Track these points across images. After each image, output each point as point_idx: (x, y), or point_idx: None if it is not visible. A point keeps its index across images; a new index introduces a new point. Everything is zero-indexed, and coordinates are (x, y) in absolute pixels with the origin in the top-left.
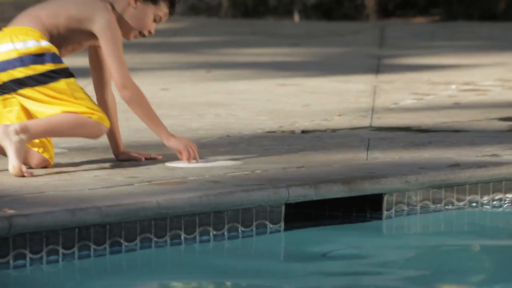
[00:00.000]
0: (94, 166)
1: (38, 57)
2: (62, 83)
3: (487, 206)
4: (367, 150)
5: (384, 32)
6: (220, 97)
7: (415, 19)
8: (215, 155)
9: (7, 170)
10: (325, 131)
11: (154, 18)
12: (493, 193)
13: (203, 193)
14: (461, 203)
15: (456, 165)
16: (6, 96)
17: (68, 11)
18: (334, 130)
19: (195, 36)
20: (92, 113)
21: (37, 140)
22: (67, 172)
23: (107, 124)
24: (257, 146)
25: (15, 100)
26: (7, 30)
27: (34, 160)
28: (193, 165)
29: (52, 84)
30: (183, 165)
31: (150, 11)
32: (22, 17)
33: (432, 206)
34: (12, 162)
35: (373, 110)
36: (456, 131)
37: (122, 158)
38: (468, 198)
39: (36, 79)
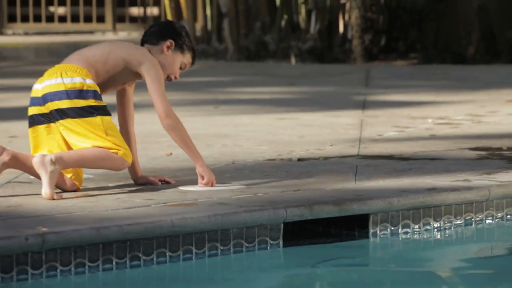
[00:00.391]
0: (116, 190)
1: (82, 93)
2: (97, 119)
3: (460, 225)
4: (355, 175)
5: (369, 73)
6: (227, 130)
7: (396, 62)
8: (222, 180)
9: (41, 193)
10: (318, 159)
11: (180, 65)
12: (465, 213)
13: (211, 213)
14: (437, 223)
15: (433, 189)
16: (51, 124)
17: (119, 54)
18: (326, 158)
19: (204, 77)
20: (118, 149)
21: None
22: (92, 195)
23: (129, 160)
24: (259, 172)
25: (57, 128)
26: (58, 66)
27: (66, 184)
28: (202, 188)
29: (89, 119)
30: (194, 188)
31: (178, 58)
32: (74, 56)
33: (412, 225)
34: (45, 189)
35: (360, 140)
36: (433, 159)
37: (140, 182)
38: (443, 218)
39: (76, 111)
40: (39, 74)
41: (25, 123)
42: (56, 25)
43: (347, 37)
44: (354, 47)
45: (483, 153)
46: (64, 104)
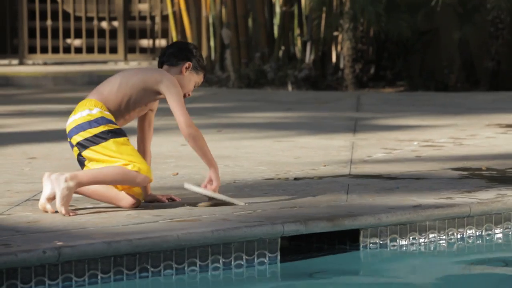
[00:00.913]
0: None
1: (90, 123)
2: (110, 142)
3: (443, 240)
4: (347, 193)
5: (360, 99)
6: (229, 151)
7: (384, 90)
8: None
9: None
10: (313, 178)
11: (194, 84)
12: (448, 228)
13: (214, 228)
14: (422, 237)
15: (418, 206)
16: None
17: (135, 78)
18: (320, 178)
19: (208, 103)
20: (134, 165)
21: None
22: (105, 211)
23: (150, 175)
24: (258, 190)
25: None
26: (82, 102)
27: (123, 202)
28: (202, 190)
29: (103, 144)
30: (198, 189)
31: (194, 78)
32: (91, 92)
33: (400, 239)
34: (58, 206)
35: (351, 161)
36: (418, 178)
37: (148, 200)
38: (428, 233)
39: (90, 140)
40: (57, 101)
41: (43, 145)
42: (72, 56)
43: (339, 67)
44: (346, 75)
45: (464, 173)
46: (80, 137)
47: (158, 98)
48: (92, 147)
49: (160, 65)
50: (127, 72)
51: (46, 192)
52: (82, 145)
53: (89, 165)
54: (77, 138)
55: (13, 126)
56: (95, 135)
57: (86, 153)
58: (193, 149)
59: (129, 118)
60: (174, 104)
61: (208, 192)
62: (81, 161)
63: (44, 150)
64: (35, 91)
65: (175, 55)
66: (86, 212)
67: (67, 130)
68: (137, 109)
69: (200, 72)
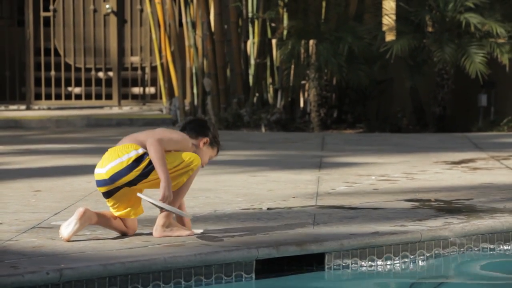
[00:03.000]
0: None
1: (138, 161)
2: (152, 175)
3: (398, 262)
4: (314, 222)
5: (324, 139)
6: (210, 185)
7: (345, 131)
8: (205, 225)
9: (59, 237)
10: (283, 208)
11: (209, 157)
12: (402, 252)
13: (197, 252)
14: (380, 260)
15: (376, 233)
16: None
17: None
18: (290, 208)
19: None
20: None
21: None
22: (101, 238)
23: (197, 161)
24: (236, 219)
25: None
26: (112, 149)
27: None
28: (154, 201)
29: (152, 175)
30: (152, 200)
31: (209, 152)
32: (124, 140)
33: (360, 262)
34: (67, 232)
35: (317, 194)
36: (376, 208)
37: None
38: (384, 256)
39: (141, 176)
40: (59, 141)
41: (47, 180)
42: (73, 102)
43: (307, 111)
44: (312, 118)
45: (416, 203)
46: (130, 177)
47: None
48: (143, 182)
49: None
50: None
51: (74, 229)
52: (132, 183)
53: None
54: (127, 179)
55: (21, 163)
56: (144, 170)
57: (137, 186)
58: (151, 158)
59: None
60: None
61: (159, 203)
62: (111, 193)
63: (48, 184)
64: (40, 132)
65: (195, 130)
66: (85, 238)
67: (110, 174)
68: None
69: (215, 147)
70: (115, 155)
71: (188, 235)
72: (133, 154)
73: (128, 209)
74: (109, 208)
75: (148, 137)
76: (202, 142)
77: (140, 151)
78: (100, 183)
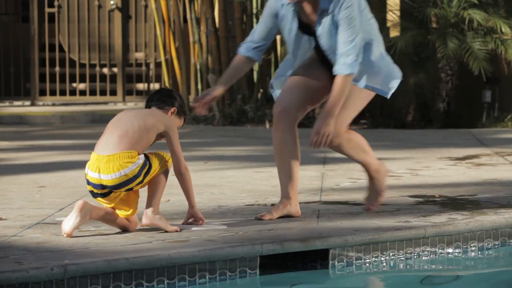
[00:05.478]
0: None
1: (140, 170)
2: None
3: (401, 258)
4: (318, 217)
5: None
6: (214, 181)
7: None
8: (210, 221)
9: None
10: None
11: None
12: (406, 248)
13: (201, 248)
14: (384, 256)
15: (380, 228)
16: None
17: (147, 122)
18: None
19: (196, 138)
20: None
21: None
22: (105, 234)
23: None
24: (240, 215)
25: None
26: (112, 157)
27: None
28: (197, 227)
29: (146, 178)
30: (195, 228)
31: (177, 121)
32: (117, 142)
33: (364, 258)
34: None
35: (321, 189)
36: (380, 204)
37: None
38: (388, 252)
39: (141, 182)
40: (63, 137)
41: (52, 175)
42: (77, 98)
43: None
44: (316, 114)
45: (420, 199)
46: (132, 186)
47: (160, 139)
48: (141, 184)
49: (148, 108)
50: (137, 115)
51: (75, 222)
52: (131, 188)
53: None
54: (130, 187)
55: (25, 159)
56: (144, 176)
57: (137, 188)
58: (181, 185)
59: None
60: (177, 147)
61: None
62: (98, 195)
63: (52, 180)
64: (45, 128)
65: (163, 101)
66: (89, 234)
67: (111, 184)
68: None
69: (182, 116)
70: (117, 165)
71: (173, 231)
72: (135, 166)
73: (125, 208)
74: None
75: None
76: (170, 112)
77: (140, 161)
78: (97, 186)
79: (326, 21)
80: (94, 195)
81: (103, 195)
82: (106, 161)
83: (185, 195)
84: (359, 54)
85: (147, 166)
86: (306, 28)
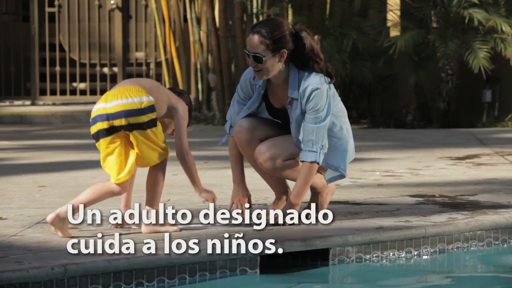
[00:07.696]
0: (121, 231)
1: (152, 107)
2: (159, 128)
3: (402, 257)
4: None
5: None
6: (214, 180)
7: None
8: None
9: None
10: None
11: None
12: (406, 247)
13: (201, 248)
14: (384, 255)
15: (380, 228)
16: (114, 135)
17: (160, 87)
18: None
19: (197, 138)
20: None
21: None
22: (106, 234)
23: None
24: (240, 214)
25: (122, 138)
26: (120, 89)
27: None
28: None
29: (154, 128)
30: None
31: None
32: (127, 82)
33: (364, 257)
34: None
35: None
36: (380, 204)
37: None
38: (389, 251)
39: (148, 123)
40: (64, 137)
41: (52, 175)
42: (78, 97)
43: None
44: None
45: (420, 199)
46: (141, 119)
47: (166, 117)
48: (148, 129)
49: None
50: (151, 80)
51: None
52: (141, 126)
53: (137, 144)
54: (140, 118)
55: (26, 158)
56: (151, 120)
57: (139, 132)
58: (184, 169)
59: None
60: (183, 127)
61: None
62: (102, 135)
63: (52, 179)
64: (45, 128)
65: (175, 91)
66: (90, 234)
67: (119, 109)
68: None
69: (189, 116)
70: (124, 95)
71: (174, 231)
72: (145, 100)
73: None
74: (101, 151)
75: (168, 98)
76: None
77: (151, 98)
78: (101, 117)
79: (296, 108)
80: (97, 135)
81: (107, 133)
82: (114, 93)
83: (190, 180)
84: (325, 143)
85: (154, 115)
86: (275, 111)
